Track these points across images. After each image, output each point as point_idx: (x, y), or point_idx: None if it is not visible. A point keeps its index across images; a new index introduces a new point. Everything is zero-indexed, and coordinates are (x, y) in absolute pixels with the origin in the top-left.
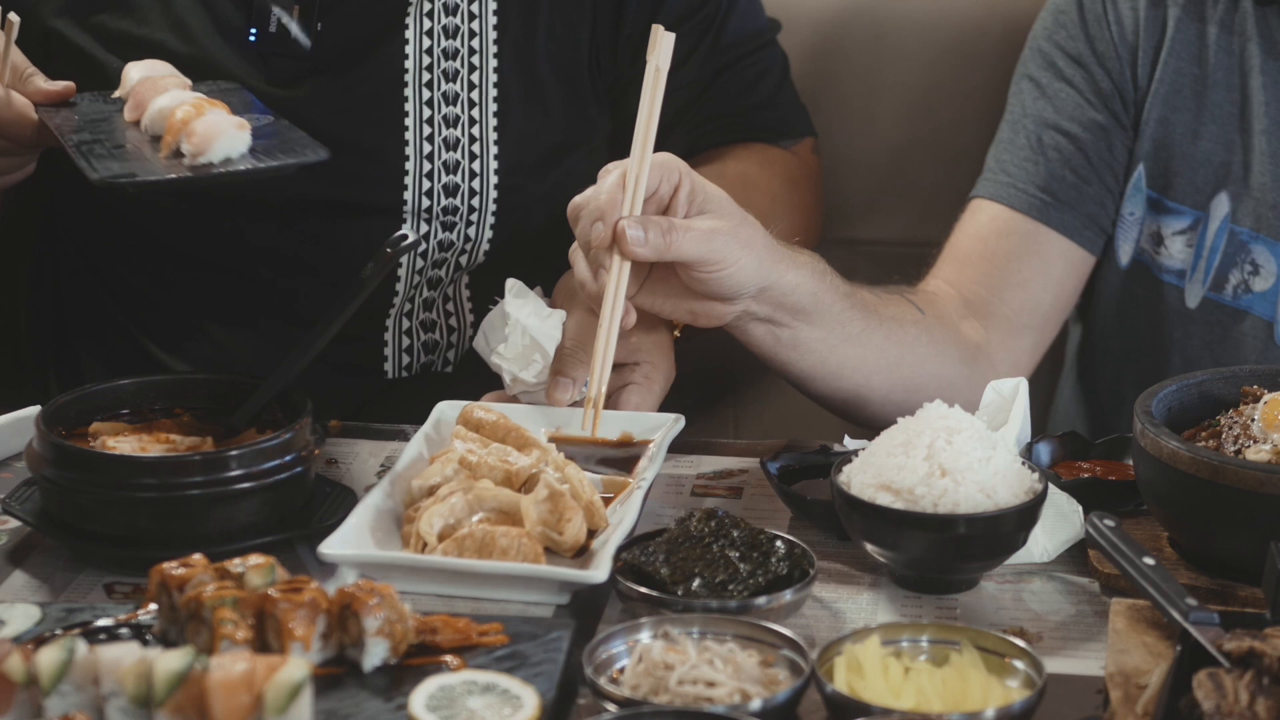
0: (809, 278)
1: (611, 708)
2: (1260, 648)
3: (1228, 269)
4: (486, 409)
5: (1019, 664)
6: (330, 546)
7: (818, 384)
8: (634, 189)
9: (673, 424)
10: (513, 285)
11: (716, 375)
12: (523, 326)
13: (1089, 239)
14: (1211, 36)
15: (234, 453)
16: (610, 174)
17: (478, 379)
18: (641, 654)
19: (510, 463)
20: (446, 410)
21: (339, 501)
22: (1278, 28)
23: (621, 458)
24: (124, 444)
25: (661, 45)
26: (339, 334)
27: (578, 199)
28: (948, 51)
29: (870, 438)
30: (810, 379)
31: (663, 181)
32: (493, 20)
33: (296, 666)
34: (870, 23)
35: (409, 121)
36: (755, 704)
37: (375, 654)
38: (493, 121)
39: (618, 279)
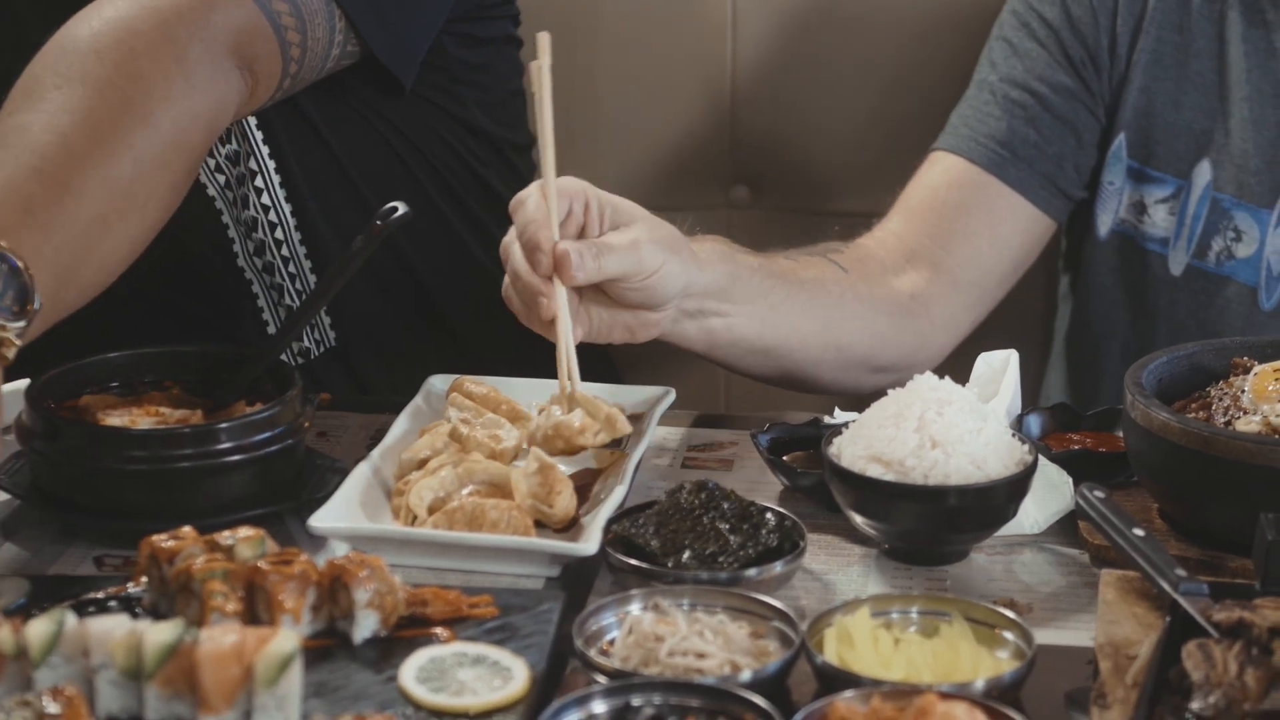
0: (719, 259)
1: (602, 679)
2: (1249, 618)
3: (1210, 236)
4: (478, 381)
5: (1009, 635)
6: (320, 519)
7: (757, 363)
8: (551, 217)
9: (663, 396)
10: None
11: None
12: None
13: (1044, 199)
14: (1194, 5)
15: (224, 425)
16: (525, 203)
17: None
18: (632, 626)
19: (499, 436)
20: (436, 383)
21: (329, 474)
22: None
23: None
24: (114, 417)
25: (540, 47)
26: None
27: (505, 239)
28: (929, 24)
29: (860, 409)
30: (748, 361)
31: (573, 203)
32: None
33: (286, 639)
34: None
35: None
36: (745, 675)
37: (365, 626)
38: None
39: (564, 301)
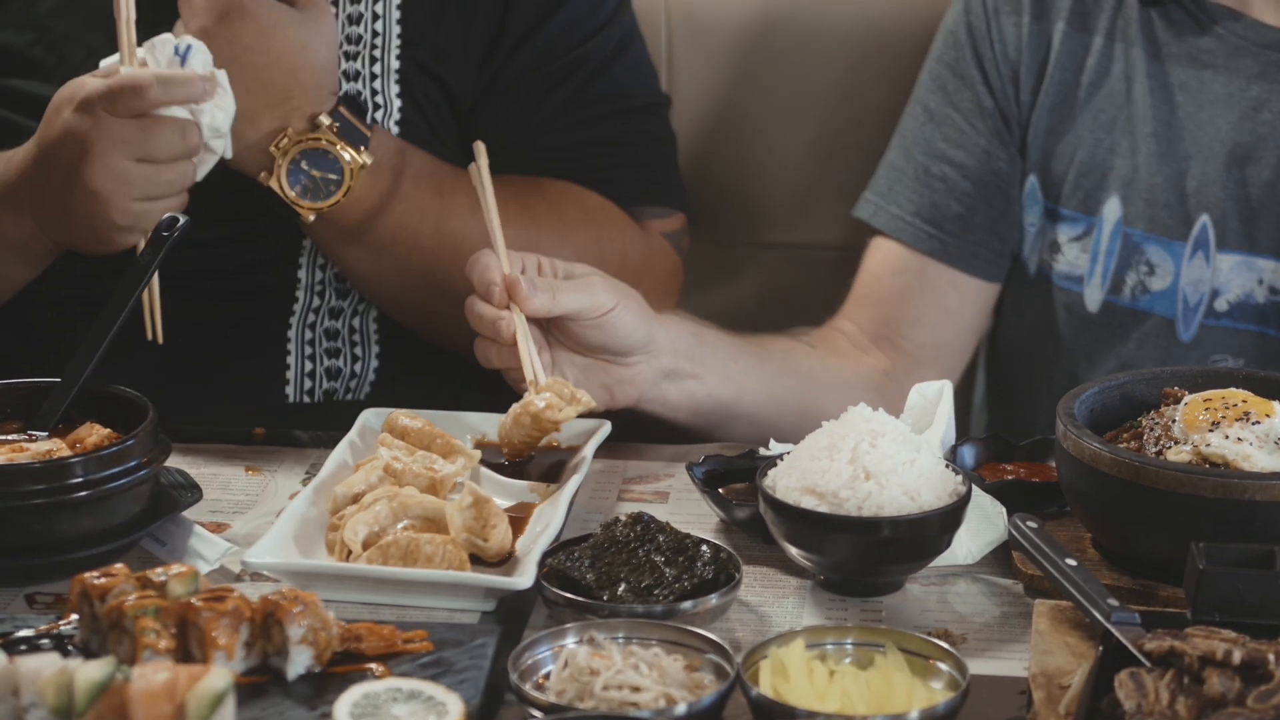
0: (681, 321)
1: (537, 714)
2: (1181, 647)
3: (1124, 271)
4: (412, 416)
5: (943, 666)
6: (255, 554)
7: (743, 432)
8: (501, 262)
9: (598, 429)
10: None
11: None
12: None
13: (980, 268)
14: (1096, 46)
15: (77, 459)
16: (479, 259)
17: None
18: (567, 659)
19: (435, 470)
20: (371, 418)
21: (180, 490)
22: (1163, 29)
23: (548, 463)
24: None
25: (478, 153)
26: (241, 349)
27: (469, 299)
28: (872, 54)
29: (794, 441)
30: (735, 430)
31: (525, 262)
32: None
33: (219, 675)
34: (794, 27)
35: None
36: (680, 708)
37: (299, 662)
38: (396, 130)
39: (522, 320)
